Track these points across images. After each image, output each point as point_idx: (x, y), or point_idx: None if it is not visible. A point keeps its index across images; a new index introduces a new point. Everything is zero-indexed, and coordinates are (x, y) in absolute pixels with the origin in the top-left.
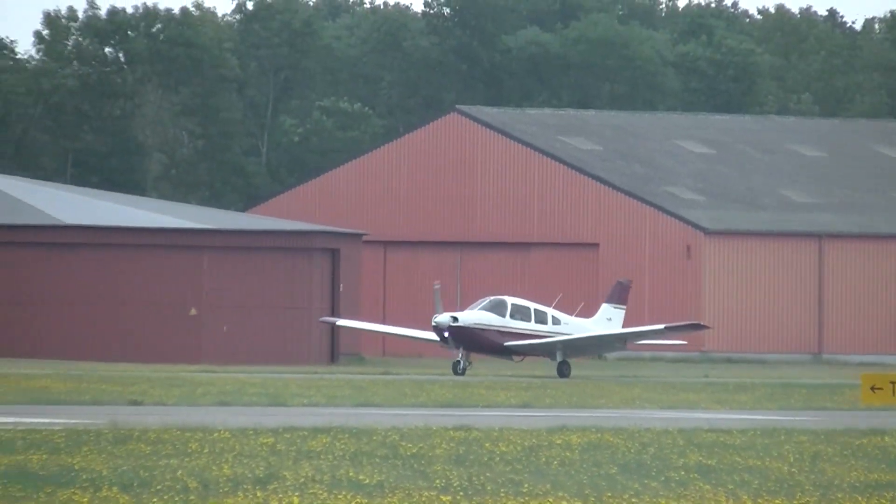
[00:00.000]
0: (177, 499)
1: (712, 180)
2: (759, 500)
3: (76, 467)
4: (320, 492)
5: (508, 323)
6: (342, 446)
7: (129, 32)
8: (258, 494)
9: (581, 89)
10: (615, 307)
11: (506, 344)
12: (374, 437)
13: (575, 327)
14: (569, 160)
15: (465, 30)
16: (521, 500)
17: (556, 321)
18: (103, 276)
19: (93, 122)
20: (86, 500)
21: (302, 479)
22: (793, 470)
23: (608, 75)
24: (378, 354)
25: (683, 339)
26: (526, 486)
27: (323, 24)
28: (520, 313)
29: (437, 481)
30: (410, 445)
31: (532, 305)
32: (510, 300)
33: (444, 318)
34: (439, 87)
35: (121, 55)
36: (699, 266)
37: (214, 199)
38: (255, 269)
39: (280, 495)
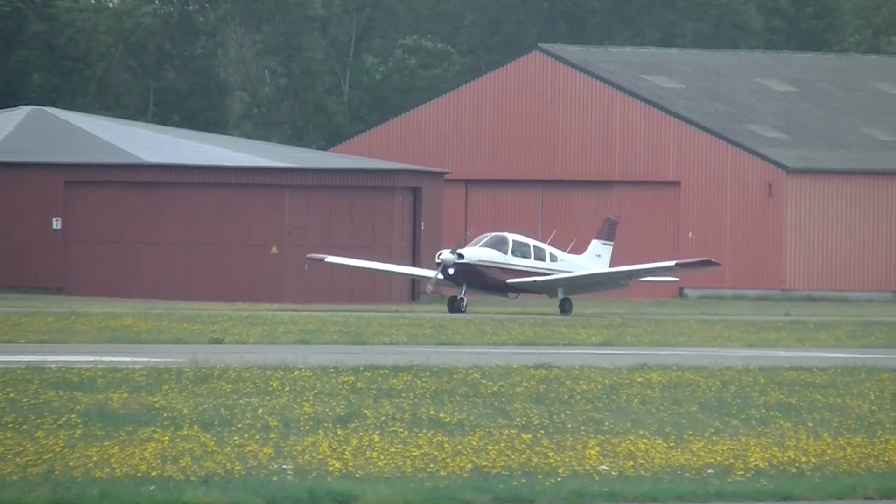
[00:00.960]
0: (257, 437)
1: (795, 119)
2: (840, 439)
3: (157, 406)
4: (401, 430)
5: (510, 260)
6: (423, 385)
7: None
8: (339, 433)
9: (663, 27)
10: (604, 243)
11: (508, 281)
12: (455, 376)
13: (570, 264)
14: (651, 98)
15: None
16: (602, 439)
17: (553, 258)
18: (185, 216)
19: (174, 61)
20: (166, 438)
21: (382, 418)
22: (873, 408)
23: (691, 13)
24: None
25: (677, 277)
26: (606, 424)
27: None
28: (520, 250)
29: (518, 419)
30: (491, 384)
31: (531, 242)
32: (511, 236)
33: (449, 255)
34: (521, 25)
35: None
36: (781, 204)
37: (296, 138)
38: (337, 208)
39: (361, 434)
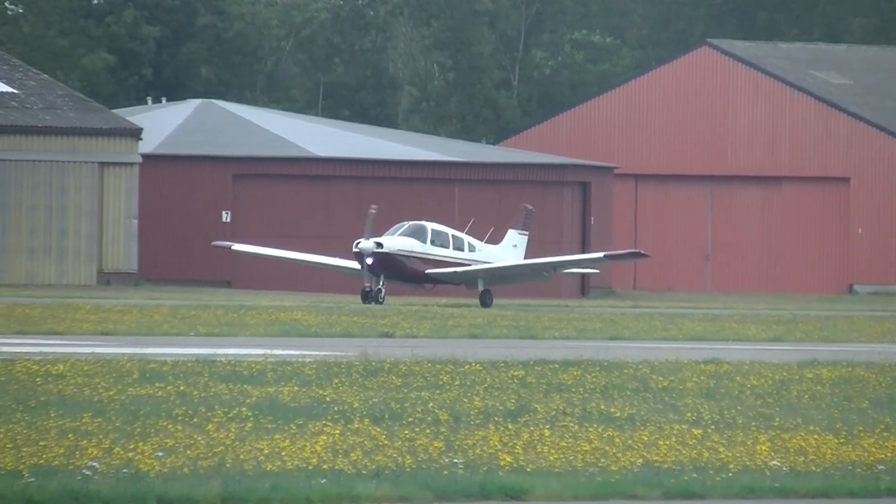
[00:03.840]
0: (428, 431)
1: None
2: None
3: (327, 399)
4: (571, 424)
5: (430, 250)
6: (593, 379)
7: None
8: (509, 427)
9: (830, 24)
10: (520, 233)
11: (428, 272)
12: (625, 371)
13: (488, 254)
14: (820, 94)
15: None
16: (772, 434)
17: (471, 248)
18: (353, 209)
19: (344, 55)
20: (337, 432)
21: (553, 412)
22: None
23: (858, 9)
24: (628, 288)
25: (598, 269)
26: (776, 420)
27: None
28: (439, 239)
29: (688, 415)
30: (661, 379)
31: (450, 231)
32: (430, 226)
33: (367, 244)
34: (690, 20)
35: None
36: None
37: (465, 133)
38: (506, 203)
39: (531, 428)
